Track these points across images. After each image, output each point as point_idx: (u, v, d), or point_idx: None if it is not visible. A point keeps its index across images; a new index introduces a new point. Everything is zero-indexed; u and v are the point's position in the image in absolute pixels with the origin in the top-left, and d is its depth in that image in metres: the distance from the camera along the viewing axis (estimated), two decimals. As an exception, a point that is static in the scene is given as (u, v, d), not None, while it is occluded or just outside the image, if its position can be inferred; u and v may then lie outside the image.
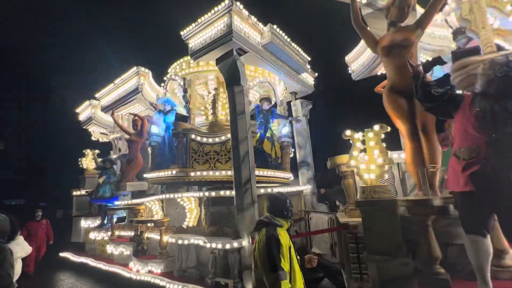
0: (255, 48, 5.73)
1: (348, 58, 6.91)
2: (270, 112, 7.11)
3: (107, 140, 11.30)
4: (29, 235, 7.78)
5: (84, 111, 10.54)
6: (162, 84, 7.60)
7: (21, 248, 2.82)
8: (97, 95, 9.35)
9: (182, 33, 5.86)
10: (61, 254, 8.81)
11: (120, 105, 8.42)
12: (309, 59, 7.60)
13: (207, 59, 5.91)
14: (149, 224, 6.73)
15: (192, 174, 5.86)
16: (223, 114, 7.40)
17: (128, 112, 8.42)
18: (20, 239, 2.85)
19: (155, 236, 6.40)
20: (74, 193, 9.83)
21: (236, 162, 5.11)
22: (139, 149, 8.16)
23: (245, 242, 4.73)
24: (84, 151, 10.20)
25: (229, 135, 5.93)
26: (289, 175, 7.12)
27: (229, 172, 5.62)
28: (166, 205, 6.58)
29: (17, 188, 26.31)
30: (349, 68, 6.93)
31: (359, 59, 6.62)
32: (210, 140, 6.25)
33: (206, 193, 5.49)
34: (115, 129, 9.69)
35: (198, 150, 6.18)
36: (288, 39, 6.61)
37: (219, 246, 4.67)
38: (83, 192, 9.81)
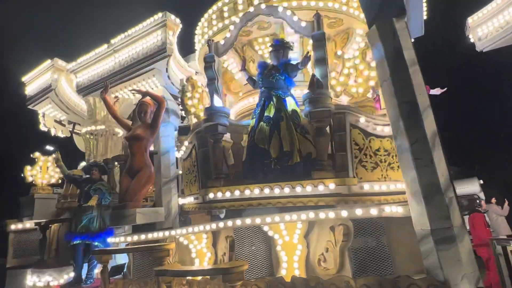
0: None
1: (472, 20, 5.16)
2: (280, 69, 4.01)
3: (64, 135, 7.56)
4: None
5: (37, 78, 6.79)
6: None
7: None
8: (69, 67, 5.93)
9: None
10: None
11: (119, 80, 5.24)
12: (425, 17, 5.49)
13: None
14: (189, 278, 3.74)
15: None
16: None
17: (132, 89, 5.21)
18: None
19: (210, 299, 3.48)
20: (13, 227, 5.86)
21: (420, 149, 2.79)
22: (148, 151, 4.99)
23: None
24: (33, 155, 6.29)
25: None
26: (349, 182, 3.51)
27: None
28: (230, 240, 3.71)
29: None
30: (469, 36, 5.22)
31: (493, 21, 4.92)
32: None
33: (358, 212, 2.91)
34: (93, 118, 6.20)
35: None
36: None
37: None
38: (28, 225, 5.95)
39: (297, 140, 3.69)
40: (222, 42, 4.56)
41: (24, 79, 7.31)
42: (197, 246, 4.05)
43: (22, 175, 6.15)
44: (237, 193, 3.55)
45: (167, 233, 4.10)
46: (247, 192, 3.49)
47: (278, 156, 3.65)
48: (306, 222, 3.32)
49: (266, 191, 3.39)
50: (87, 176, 5.01)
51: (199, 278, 3.73)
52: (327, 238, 3.23)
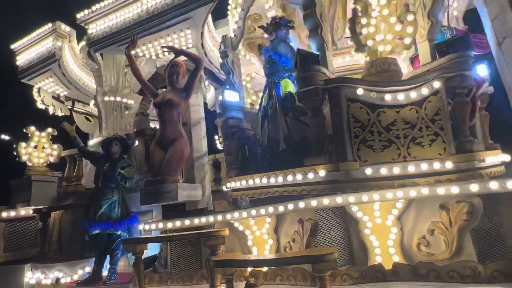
0: None
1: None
2: (270, 52, 3.81)
3: (63, 114, 6.54)
4: None
5: (33, 45, 5.74)
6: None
7: None
8: (79, 16, 4.89)
9: None
10: None
11: (144, 32, 4.39)
12: None
13: None
14: (252, 269, 3.15)
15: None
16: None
17: (164, 46, 4.34)
18: None
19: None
20: (4, 214, 4.82)
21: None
22: (181, 120, 4.26)
23: None
24: (26, 129, 5.17)
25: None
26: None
27: None
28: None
29: None
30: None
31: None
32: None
33: (493, 186, 2.43)
34: (103, 87, 5.22)
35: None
36: None
37: None
38: (23, 212, 4.94)
39: (284, 126, 3.55)
40: (232, 35, 4.51)
41: (13, 46, 6.08)
42: (256, 232, 3.44)
43: (15, 153, 5.08)
44: (243, 182, 3.60)
45: (220, 217, 3.45)
46: (251, 182, 3.51)
47: (266, 144, 3.65)
48: (406, 201, 2.84)
49: (264, 180, 3.35)
50: (106, 151, 4.17)
51: (265, 269, 3.15)
52: (432, 218, 2.77)
